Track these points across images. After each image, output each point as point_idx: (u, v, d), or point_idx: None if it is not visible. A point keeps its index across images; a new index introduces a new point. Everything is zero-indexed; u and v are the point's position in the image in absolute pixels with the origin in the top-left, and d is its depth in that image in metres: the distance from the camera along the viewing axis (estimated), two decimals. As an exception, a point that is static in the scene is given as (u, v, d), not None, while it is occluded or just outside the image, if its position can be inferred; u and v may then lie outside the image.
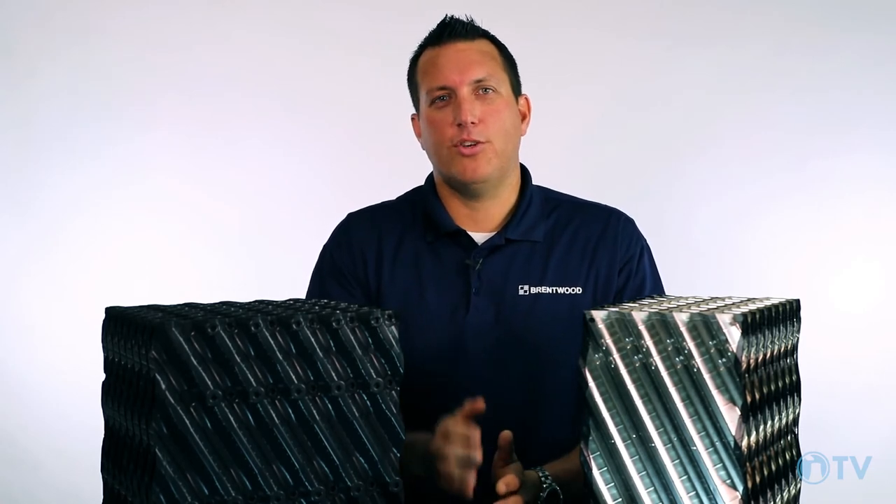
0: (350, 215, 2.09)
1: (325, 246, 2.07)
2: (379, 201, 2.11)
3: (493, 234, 1.99)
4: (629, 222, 2.05)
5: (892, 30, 3.45)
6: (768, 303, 1.49)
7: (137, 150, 3.50)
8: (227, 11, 3.53)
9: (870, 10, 3.46)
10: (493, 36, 2.03)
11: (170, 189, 3.50)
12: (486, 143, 1.93)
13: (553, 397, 1.94)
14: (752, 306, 1.43)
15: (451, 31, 1.98)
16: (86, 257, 3.48)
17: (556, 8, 3.56)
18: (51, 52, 3.47)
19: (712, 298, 1.57)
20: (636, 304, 1.51)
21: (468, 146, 1.92)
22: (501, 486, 1.67)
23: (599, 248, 1.99)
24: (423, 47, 2.02)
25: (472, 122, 1.91)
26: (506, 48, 2.03)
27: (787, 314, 1.51)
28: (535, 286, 1.95)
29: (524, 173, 2.06)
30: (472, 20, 2.01)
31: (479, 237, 1.99)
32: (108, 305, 1.52)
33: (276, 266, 3.40)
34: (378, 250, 2.00)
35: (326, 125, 3.54)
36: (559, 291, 1.95)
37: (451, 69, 1.95)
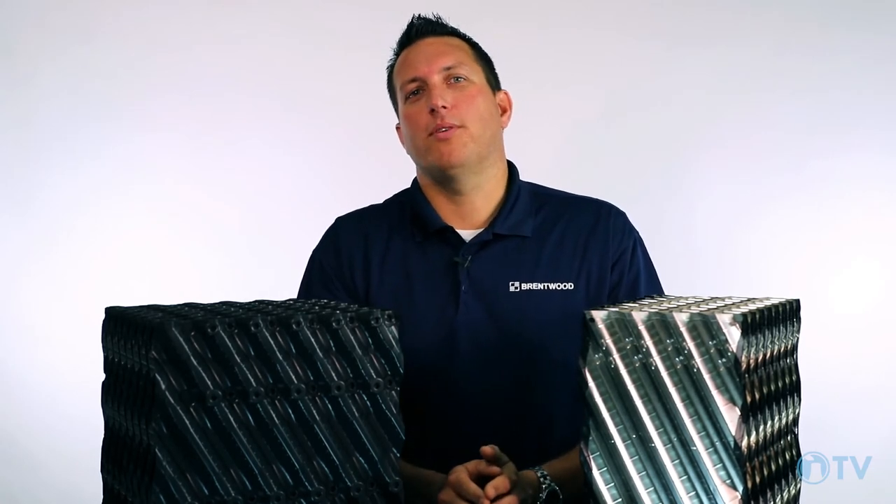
0: (338, 219, 2.09)
1: (314, 251, 2.07)
2: (370, 203, 2.12)
3: (481, 230, 1.98)
4: (620, 215, 2.04)
5: (892, 30, 3.45)
6: (768, 303, 1.49)
7: (137, 150, 3.50)
8: (227, 11, 3.53)
9: (870, 10, 3.46)
10: (463, 33, 2.04)
11: (170, 189, 3.50)
12: (460, 128, 1.93)
13: (546, 394, 1.94)
14: (752, 306, 1.43)
15: (419, 29, 2.01)
16: (86, 257, 3.48)
17: (556, 8, 3.55)
18: (51, 52, 3.47)
19: (712, 298, 1.57)
20: (636, 304, 1.51)
21: (443, 131, 1.92)
22: (490, 490, 1.67)
23: (591, 242, 1.98)
24: (396, 53, 2.05)
25: (444, 107, 1.91)
26: (478, 45, 2.05)
27: (786, 314, 1.51)
28: (526, 282, 1.94)
29: (512, 169, 2.05)
30: (439, 18, 2.03)
31: (467, 234, 1.98)
32: (108, 305, 1.52)
33: (276, 266, 3.39)
34: (365, 253, 2.00)
35: (326, 125, 3.54)
36: (550, 287, 1.94)
37: (419, 61, 1.97)
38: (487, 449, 1.73)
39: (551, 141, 3.39)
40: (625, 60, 3.53)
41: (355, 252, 2.01)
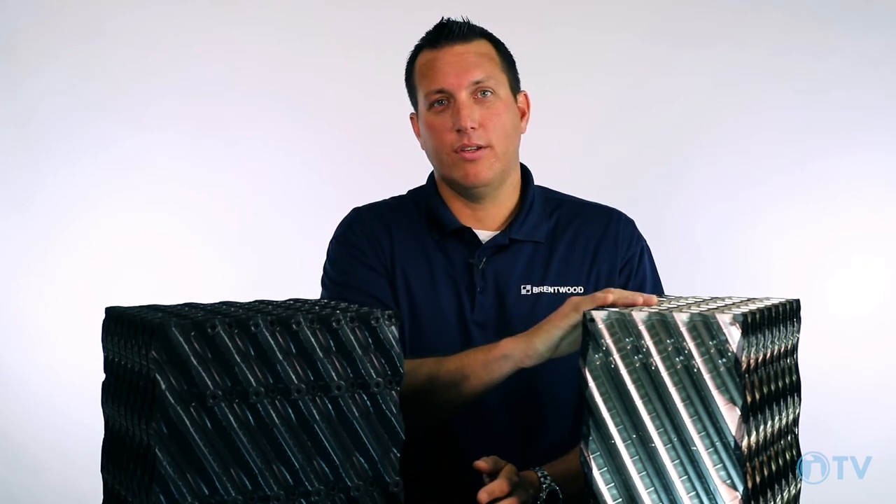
0: (358, 209, 2.07)
1: (335, 237, 2.04)
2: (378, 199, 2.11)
3: (497, 233, 1.99)
4: (629, 223, 2.06)
5: (892, 30, 3.46)
6: (768, 303, 1.49)
7: (137, 149, 3.50)
8: (227, 11, 3.53)
9: (870, 10, 3.46)
10: (490, 34, 2.01)
11: (170, 189, 3.50)
12: (487, 148, 1.92)
13: (554, 397, 1.94)
14: (752, 306, 1.43)
15: (449, 33, 1.96)
16: (86, 257, 3.48)
17: (556, 8, 3.56)
18: (51, 52, 3.47)
19: (712, 298, 1.57)
20: (636, 304, 1.51)
21: (470, 151, 1.91)
22: (483, 495, 1.63)
23: (600, 248, 2.00)
24: (419, 48, 2.00)
25: (472, 127, 1.90)
26: (504, 46, 2.02)
27: (787, 314, 1.51)
28: (538, 286, 1.96)
29: (525, 173, 2.06)
30: (468, 21, 1.99)
31: (483, 235, 1.99)
32: (108, 305, 1.52)
33: (276, 266, 3.40)
34: (391, 241, 1.99)
35: (326, 125, 3.54)
36: (561, 291, 1.96)
37: (448, 72, 1.93)
38: (481, 464, 1.69)
39: (551, 141, 3.38)
40: (625, 61, 3.54)
41: (383, 240, 2.00)
